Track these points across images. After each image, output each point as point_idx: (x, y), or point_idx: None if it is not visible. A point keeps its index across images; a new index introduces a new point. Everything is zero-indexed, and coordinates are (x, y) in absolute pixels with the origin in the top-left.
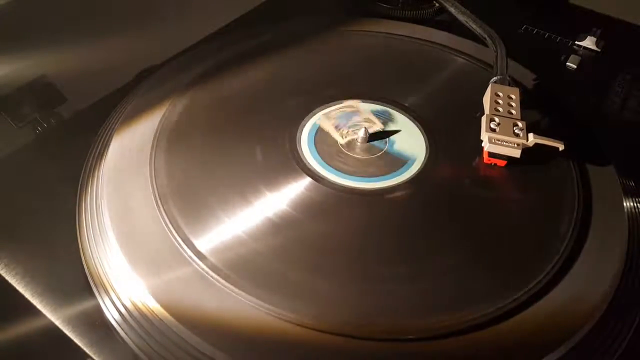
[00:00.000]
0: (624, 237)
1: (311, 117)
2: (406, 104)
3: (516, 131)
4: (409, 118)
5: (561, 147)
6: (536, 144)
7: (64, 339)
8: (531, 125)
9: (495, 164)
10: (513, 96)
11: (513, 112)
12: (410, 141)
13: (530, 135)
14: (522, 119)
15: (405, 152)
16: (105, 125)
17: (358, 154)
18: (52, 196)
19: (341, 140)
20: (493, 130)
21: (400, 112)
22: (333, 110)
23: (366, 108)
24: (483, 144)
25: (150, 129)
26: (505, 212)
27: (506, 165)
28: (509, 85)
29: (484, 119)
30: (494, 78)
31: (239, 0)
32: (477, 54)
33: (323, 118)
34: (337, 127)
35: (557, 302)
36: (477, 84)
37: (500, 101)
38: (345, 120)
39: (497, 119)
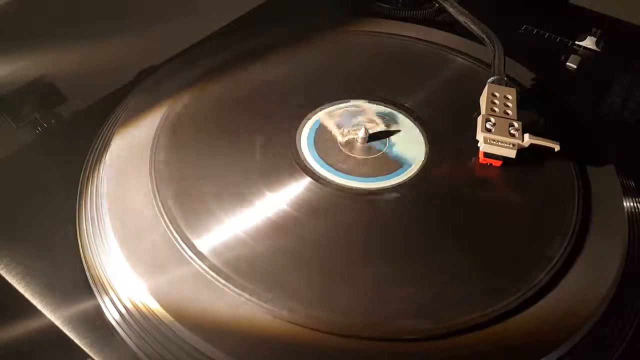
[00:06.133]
0: (624, 237)
1: (311, 117)
2: (406, 104)
3: (512, 131)
4: (408, 118)
5: (557, 148)
6: (532, 145)
7: (64, 339)
8: (530, 125)
9: (491, 164)
10: (510, 96)
11: (509, 112)
12: (409, 141)
13: (526, 135)
14: (518, 120)
15: (404, 152)
16: (105, 125)
17: (358, 153)
18: (52, 196)
19: (341, 139)
20: (489, 131)
21: (400, 112)
22: (337, 109)
23: (372, 109)
24: (479, 144)
25: (151, 128)
26: (504, 213)
27: (507, 166)
28: (506, 85)
29: (479, 119)
30: (491, 78)
31: (239, 0)
32: (477, 54)
33: (326, 115)
34: (338, 126)
35: (557, 302)
36: (476, 84)
37: (497, 101)
38: (349, 120)
39: (493, 119)
